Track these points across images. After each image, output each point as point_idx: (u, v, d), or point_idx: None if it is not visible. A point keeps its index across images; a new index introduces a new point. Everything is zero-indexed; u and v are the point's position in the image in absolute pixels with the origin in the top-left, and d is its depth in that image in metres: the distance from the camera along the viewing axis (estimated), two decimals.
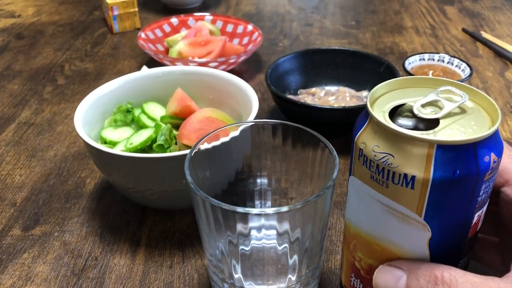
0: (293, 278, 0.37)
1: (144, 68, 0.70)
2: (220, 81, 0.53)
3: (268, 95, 0.68)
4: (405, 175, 0.27)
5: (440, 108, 0.29)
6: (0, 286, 0.42)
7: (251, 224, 0.34)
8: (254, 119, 0.46)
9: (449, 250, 0.30)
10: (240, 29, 0.81)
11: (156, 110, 0.53)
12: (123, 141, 0.48)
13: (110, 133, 0.50)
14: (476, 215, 0.29)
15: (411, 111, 0.29)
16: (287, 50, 0.83)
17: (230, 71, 0.68)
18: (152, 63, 0.77)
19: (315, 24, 0.93)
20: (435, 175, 0.27)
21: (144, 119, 0.51)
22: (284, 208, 0.32)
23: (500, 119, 0.28)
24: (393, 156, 0.28)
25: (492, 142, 0.27)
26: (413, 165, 0.27)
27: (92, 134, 0.49)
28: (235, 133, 0.40)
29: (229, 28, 0.82)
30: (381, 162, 0.28)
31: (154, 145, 0.47)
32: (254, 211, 0.32)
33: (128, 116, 0.52)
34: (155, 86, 0.55)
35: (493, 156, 0.27)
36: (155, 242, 0.46)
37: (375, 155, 0.29)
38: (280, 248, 0.36)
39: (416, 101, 0.30)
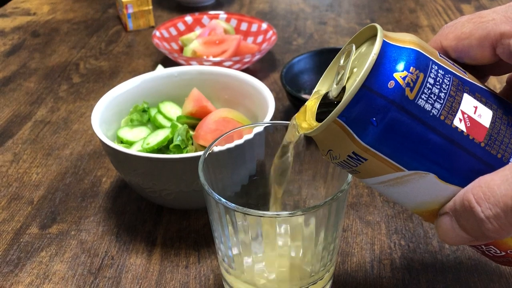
0: (306, 279, 0.36)
1: (160, 67, 0.70)
2: (236, 82, 0.53)
3: (282, 95, 0.68)
4: (349, 156, 0.27)
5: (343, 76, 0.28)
6: (19, 284, 0.43)
7: (264, 225, 0.34)
8: (270, 119, 0.46)
9: (471, 166, 0.27)
10: (254, 27, 0.81)
11: (172, 110, 0.53)
12: (140, 141, 0.49)
13: (127, 133, 0.50)
14: (456, 121, 0.26)
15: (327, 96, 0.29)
16: (301, 48, 0.83)
17: (244, 70, 0.68)
18: (167, 61, 0.77)
19: (329, 23, 0.93)
20: (363, 139, 0.26)
21: (160, 119, 0.51)
22: (298, 212, 0.31)
23: (379, 37, 0.25)
24: (332, 150, 0.28)
25: (386, 66, 0.25)
26: (344, 146, 0.27)
27: (108, 133, 0.49)
28: (249, 134, 0.40)
29: (244, 26, 0.82)
30: (332, 159, 0.28)
31: (171, 146, 0.47)
32: (267, 214, 0.32)
33: (144, 116, 0.52)
34: (171, 85, 0.55)
35: (398, 75, 0.25)
36: (170, 242, 0.46)
37: (327, 158, 0.29)
38: (293, 249, 0.36)
39: (332, 84, 0.29)
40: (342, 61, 0.29)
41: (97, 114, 0.48)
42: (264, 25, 0.80)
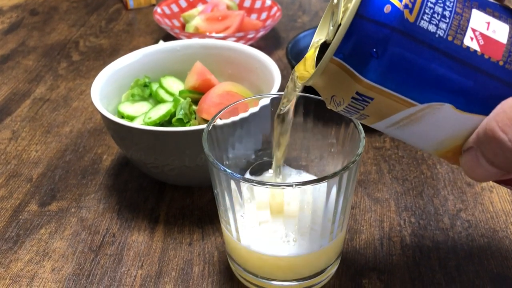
0: (315, 251, 0.35)
1: (161, 42, 0.68)
2: (241, 55, 0.51)
3: (287, 72, 0.66)
4: (354, 98, 0.25)
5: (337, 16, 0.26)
6: (18, 261, 0.41)
7: (272, 197, 0.32)
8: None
9: (491, 89, 0.24)
10: (258, 4, 0.79)
11: (174, 85, 0.51)
12: (141, 115, 0.47)
13: (128, 108, 0.48)
14: (466, 40, 0.23)
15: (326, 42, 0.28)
16: (306, 26, 0.81)
17: None
18: (168, 39, 0.75)
19: None
20: (365, 75, 0.24)
21: (162, 93, 0.50)
22: (308, 182, 0.30)
23: None
24: (335, 95, 0.26)
25: None
26: (346, 87, 0.25)
27: (109, 108, 0.47)
28: (255, 107, 0.39)
29: (247, 3, 0.80)
30: (337, 106, 0.27)
31: (173, 120, 0.45)
32: (276, 184, 0.30)
33: (145, 91, 0.50)
34: (173, 60, 0.53)
35: None
36: (174, 219, 0.45)
37: (332, 106, 0.27)
38: (300, 222, 0.34)
39: (329, 31, 0.27)
40: (335, 1, 0.27)
41: (97, 88, 0.46)
42: (268, 1, 0.77)
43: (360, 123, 0.33)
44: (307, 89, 0.37)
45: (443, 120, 0.25)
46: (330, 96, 0.26)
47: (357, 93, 0.24)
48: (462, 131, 0.25)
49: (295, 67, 0.30)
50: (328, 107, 0.28)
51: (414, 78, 0.24)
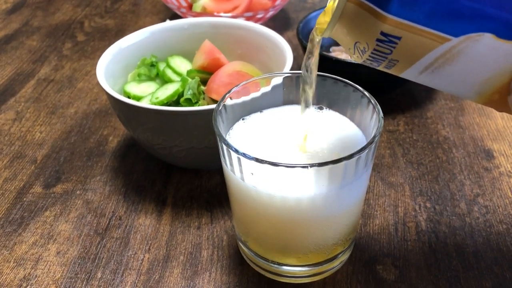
0: (329, 235, 0.34)
1: (168, 22, 0.66)
2: (251, 34, 0.50)
3: (297, 53, 0.65)
4: (379, 40, 0.23)
5: None
6: (22, 243, 0.40)
7: (285, 178, 0.31)
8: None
9: None
10: None
11: (181, 65, 0.49)
12: (148, 95, 0.46)
13: (134, 88, 0.47)
14: None
15: None
16: (316, 6, 0.79)
17: None
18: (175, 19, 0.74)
19: None
20: (389, 10, 0.21)
21: (169, 73, 0.48)
22: (323, 164, 0.29)
23: None
24: (358, 41, 0.24)
25: None
26: (369, 28, 0.22)
27: (115, 88, 0.46)
28: (267, 86, 0.37)
29: None
30: (362, 54, 0.24)
31: (181, 100, 0.44)
32: (290, 165, 0.29)
33: (152, 70, 0.49)
34: (181, 39, 0.51)
35: None
36: (181, 202, 0.44)
37: (356, 57, 0.25)
38: (314, 204, 0.33)
39: None
40: None
41: (102, 66, 0.45)
42: None
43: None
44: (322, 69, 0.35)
45: (484, 54, 0.22)
46: (353, 43, 0.24)
47: (382, 33, 0.22)
48: (508, 65, 0.22)
49: (317, 20, 0.28)
50: (352, 59, 0.25)
51: (445, 7, 0.21)
